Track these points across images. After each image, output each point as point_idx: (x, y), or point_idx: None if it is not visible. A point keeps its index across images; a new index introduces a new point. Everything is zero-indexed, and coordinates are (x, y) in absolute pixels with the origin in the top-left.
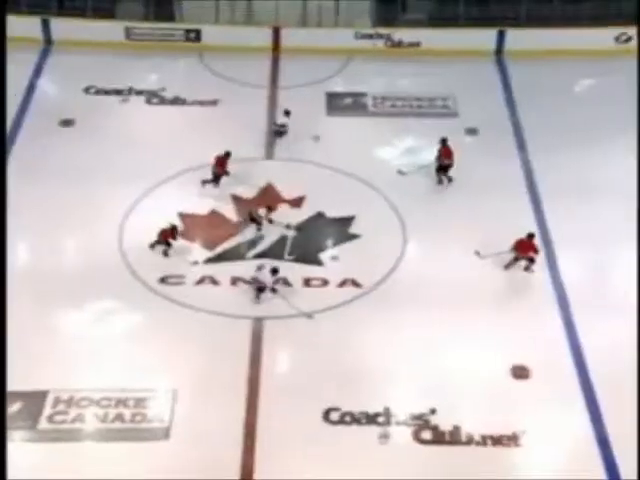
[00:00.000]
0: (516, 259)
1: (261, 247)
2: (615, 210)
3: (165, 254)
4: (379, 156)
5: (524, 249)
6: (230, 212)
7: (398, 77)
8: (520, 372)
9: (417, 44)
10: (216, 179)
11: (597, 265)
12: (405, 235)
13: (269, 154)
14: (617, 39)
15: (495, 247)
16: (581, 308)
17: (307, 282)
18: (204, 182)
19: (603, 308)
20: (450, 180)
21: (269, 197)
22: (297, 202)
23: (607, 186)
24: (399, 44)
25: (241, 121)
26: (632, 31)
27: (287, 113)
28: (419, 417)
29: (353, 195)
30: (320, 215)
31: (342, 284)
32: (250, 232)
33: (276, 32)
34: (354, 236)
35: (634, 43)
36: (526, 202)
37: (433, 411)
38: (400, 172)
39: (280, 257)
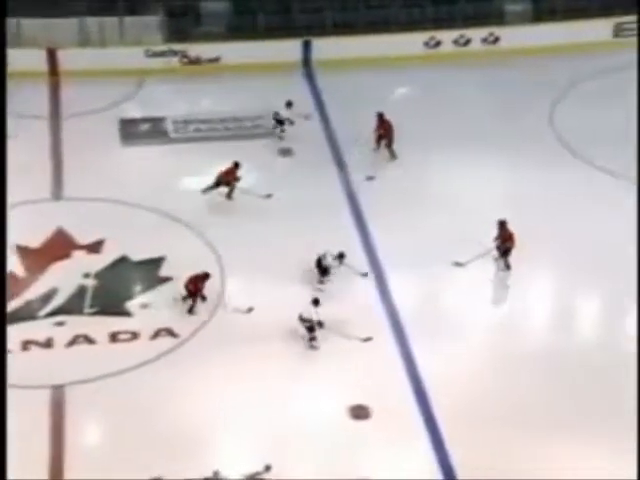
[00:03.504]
0: (507, 251)
1: (56, 302)
2: (442, 226)
3: (190, 311)
4: (185, 187)
5: (507, 238)
6: (15, 265)
7: (200, 97)
8: (359, 412)
9: (216, 59)
10: (217, 185)
11: (429, 287)
12: (223, 272)
13: (56, 194)
14: (427, 44)
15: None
16: (416, 335)
17: (114, 337)
18: (207, 189)
19: (438, 333)
20: (393, 155)
21: (61, 244)
22: (95, 247)
23: (432, 199)
24: (197, 60)
25: (20, 158)
26: (440, 35)
27: (289, 104)
28: (253, 476)
29: (160, 233)
30: (124, 259)
31: (155, 335)
32: (41, 286)
33: (52, 54)
34: (165, 279)
35: (444, 47)
36: (349, 222)
37: (268, 467)
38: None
39: (80, 311)
